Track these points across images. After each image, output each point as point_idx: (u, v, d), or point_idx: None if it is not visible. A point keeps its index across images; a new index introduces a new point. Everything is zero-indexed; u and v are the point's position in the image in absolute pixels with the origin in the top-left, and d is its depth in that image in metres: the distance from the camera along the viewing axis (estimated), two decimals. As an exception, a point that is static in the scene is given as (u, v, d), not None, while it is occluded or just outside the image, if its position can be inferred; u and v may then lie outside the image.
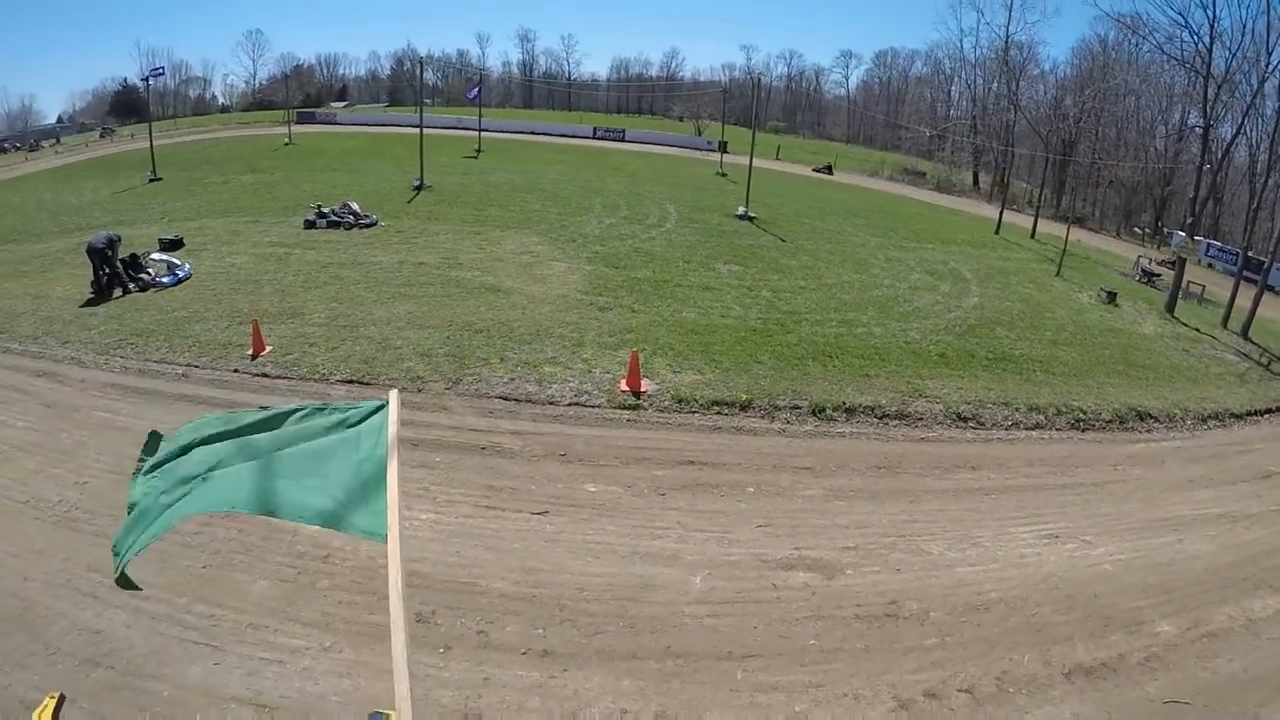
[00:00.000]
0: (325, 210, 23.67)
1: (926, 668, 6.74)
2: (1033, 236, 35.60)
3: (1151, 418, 13.68)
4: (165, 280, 17.78)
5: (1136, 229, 49.28)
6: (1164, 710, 6.52)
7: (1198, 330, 21.35)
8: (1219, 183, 43.62)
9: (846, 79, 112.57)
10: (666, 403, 11.65)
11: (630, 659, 6.49)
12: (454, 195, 29.14)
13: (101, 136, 75.64)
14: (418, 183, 30.77)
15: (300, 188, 31.04)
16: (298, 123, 61.51)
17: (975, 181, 62.35)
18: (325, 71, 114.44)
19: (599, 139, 63.92)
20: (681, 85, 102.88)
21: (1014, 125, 52.38)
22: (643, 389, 11.90)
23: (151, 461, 3.21)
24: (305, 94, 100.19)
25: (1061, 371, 15.10)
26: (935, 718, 6.20)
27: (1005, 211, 37.87)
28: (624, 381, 12.05)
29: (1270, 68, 32.92)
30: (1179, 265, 24.75)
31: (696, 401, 11.67)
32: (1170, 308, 23.39)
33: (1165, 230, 46.36)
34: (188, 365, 13.08)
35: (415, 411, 10.85)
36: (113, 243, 17.56)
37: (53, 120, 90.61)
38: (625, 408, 11.49)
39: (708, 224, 25.85)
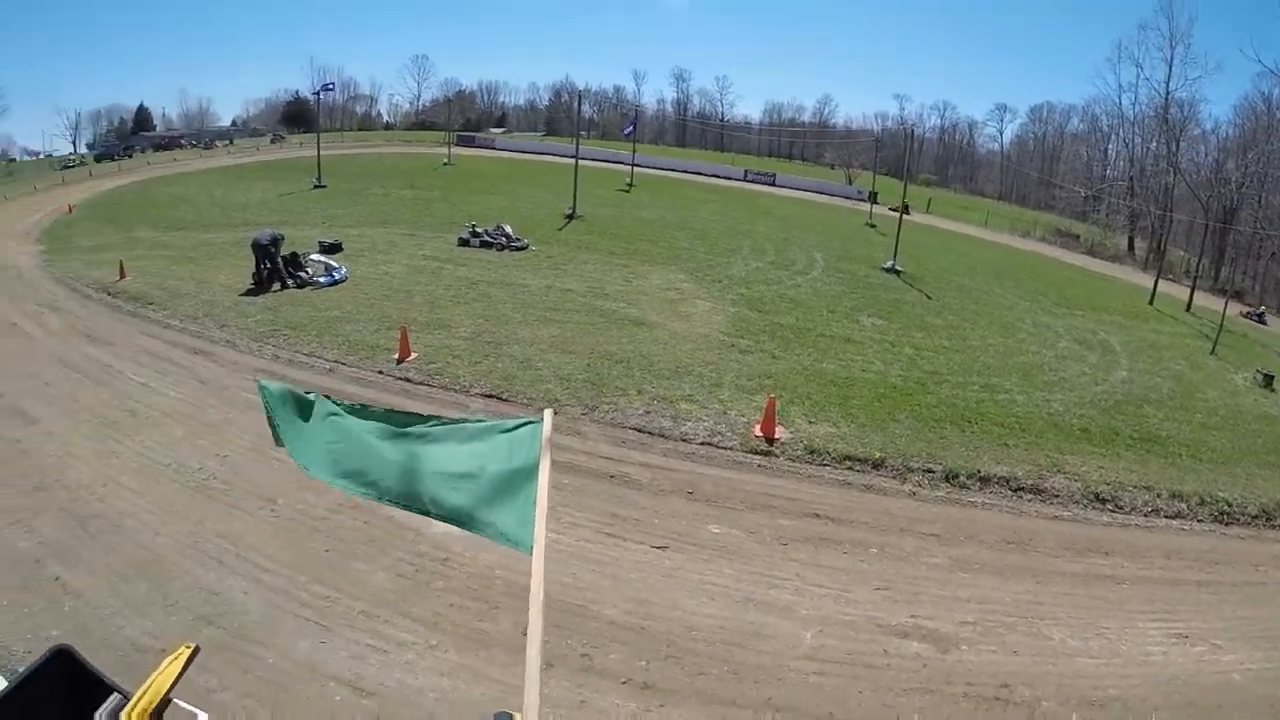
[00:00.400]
0: (479, 230, 25.27)
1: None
2: (1188, 309, 34.41)
3: (1300, 515, 12.39)
4: (322, 280, 19.37)
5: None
6: None
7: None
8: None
9: (1000, 133, 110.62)
10: (799, 452, 11.55)
11: (729, 705, 6.39)
12: (604, 227, 30.25)
13: (272, 142, 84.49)
14: (570, 212, 32.21)
15: (456, 206, 33.32)
16: (457, 144, 66.13)
17: (1130, 247, 59.34)
18: (486, 98, 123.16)
19: (749, 181, 65.23)
20: (833, 132, 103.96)
21: (1173, 189, 49.27)
22: (776, 436, 11.83)
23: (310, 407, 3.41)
24: (465, 118, 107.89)
25: (1209, 458, 13.99)
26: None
27: (1160, 281, 36.88)
28: (758, 426, 12.02)
29: None
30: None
31: (829, 454, 11.53)
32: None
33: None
34: (335, 361, 14.12)
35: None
36: (276, 240, 19.42)
37: (227, 123, 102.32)
38: (757, 453, 11.44)
39: (854, 274, 25.80)
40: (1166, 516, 11.59)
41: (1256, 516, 12.04)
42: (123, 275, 19.98)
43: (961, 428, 13.13)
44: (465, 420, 3.50)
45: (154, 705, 2.88)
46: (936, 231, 47.95)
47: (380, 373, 13.60)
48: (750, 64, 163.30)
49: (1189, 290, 36.59)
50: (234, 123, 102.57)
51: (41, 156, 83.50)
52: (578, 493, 9.63)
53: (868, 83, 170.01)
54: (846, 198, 59.29)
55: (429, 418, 3.45)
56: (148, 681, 2.98)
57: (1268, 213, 48.76)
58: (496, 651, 6.66)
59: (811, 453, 11.52)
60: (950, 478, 11.30)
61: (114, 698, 2.94)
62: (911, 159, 58.91)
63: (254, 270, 19.28)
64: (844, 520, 9.76)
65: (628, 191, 44.61)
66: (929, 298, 23.74)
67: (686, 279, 22.09)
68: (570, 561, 8.10)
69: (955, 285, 27.08)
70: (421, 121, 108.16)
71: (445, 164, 52.78)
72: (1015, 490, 11.29)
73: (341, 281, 19.53)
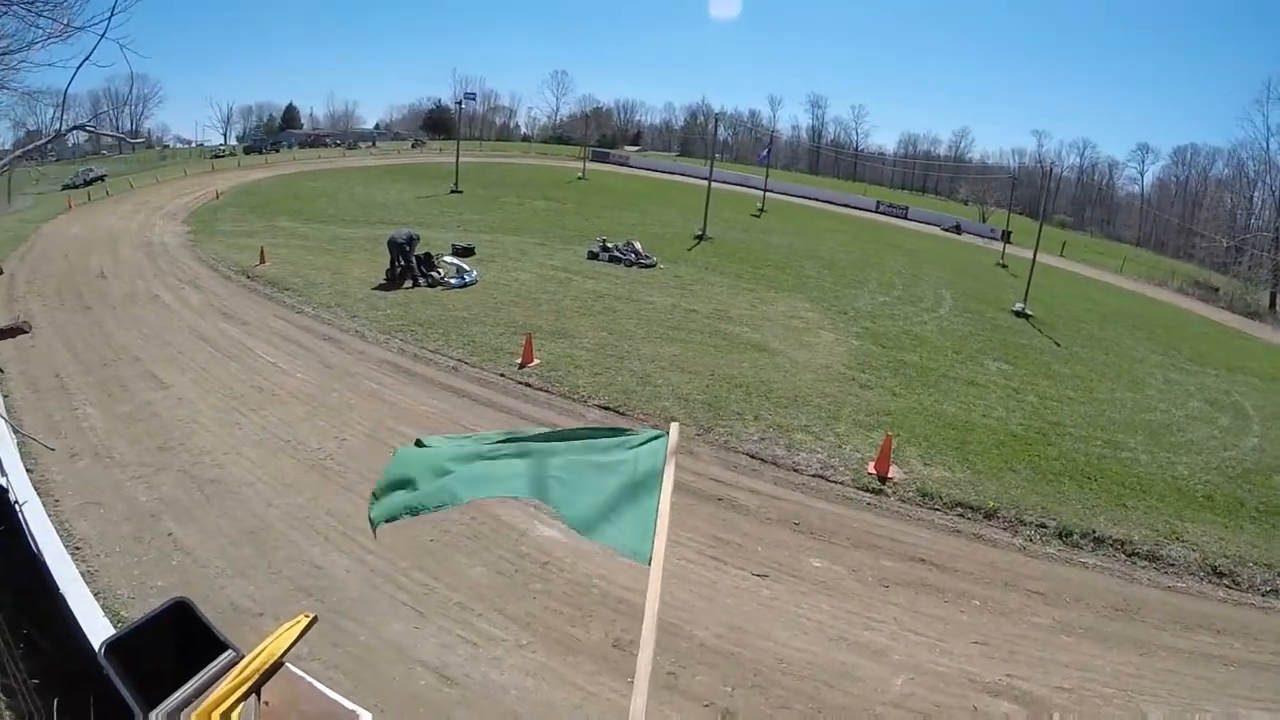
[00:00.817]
0: (609, 245, 25.80)
1: None
2: (1333, 374, 30.58)
3: None
4: (453, 282, 20.19)
5: None
6: None
7: None
8: None
9: (1141, 175, 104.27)
10: (911, 494, 11.16)
11: (809, 743, 6.19)
12: (732, 250, 30.24)
13: (413, 146, 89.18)
14: (699, 233, 32.40)
15: (588, 220, 34.18)
16: (592, 160, 67.90)
17: (1272, 304, 54.02)
18: (622, 115, 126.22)
19: (881, 213, 64.06)
20: (968, 167, 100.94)
21: (1323, 243, 44.79)
22: (890, 475, 11.49)
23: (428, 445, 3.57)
24: (601, 134, 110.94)
25: (1340, 539, 12.52)
26: None
27: (1304, 342, 33.51)
28: (873, 464, 11.70)
29: None
30: None
31: (941, 499, 11.10)
32: None
33: None
34: (459, 360, 14.62)
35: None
36: (412, 240, 20.40)
37: (370, 126, 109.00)
38: (868, 490, 11.12)
39: (982, 315, 24.82)
40: (1285, 598, 10.62)
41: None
42: (263, 260, 21.48)
43: (1080, 484, 12.44)
44: (594, 430, 3.57)
45: (267, 666, 3.03)
46: (1069, 275, 45.77)
47: (502, 375, 13.98)
48: (887, 94, 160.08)
49: (1335, 353, 32.99)
50: (377, 126, 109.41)
51: (193, 145, 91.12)
52: (684, 512, 9.57)
53: (1006, 117, 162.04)
54: (979, 235, 57.83)
55: (555, 431, 3.56)
56: (265, 643, 3.13)
57: None
58: (583, 659, 6.67)
59: (924, 495, 11.12)
60: (1063, 535, 10.72)
61: (226, 656, 3.09)
62: (1048, 199, 56.28)
63: (388, 266, 20.28)
64: (949, 568, 9.37)
65: (758, 216, 44.49)
66: (1057, 345, 22.60)
67: (811, 308, 21.78)
68: (668, 579, 7.99)
69: (1086, 334, 25.71)
70: (558, 135, 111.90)
71: (579, 178, 54.17)
72: (1129, 555, 10.57)
73: (471, 284, 20.28)
